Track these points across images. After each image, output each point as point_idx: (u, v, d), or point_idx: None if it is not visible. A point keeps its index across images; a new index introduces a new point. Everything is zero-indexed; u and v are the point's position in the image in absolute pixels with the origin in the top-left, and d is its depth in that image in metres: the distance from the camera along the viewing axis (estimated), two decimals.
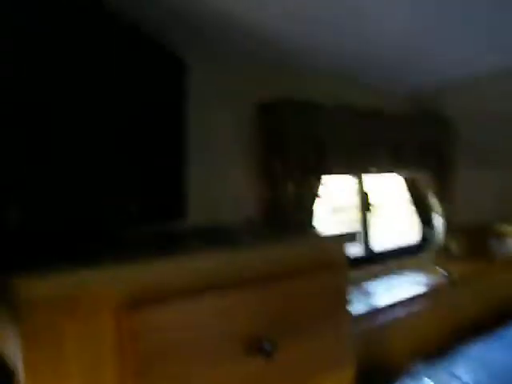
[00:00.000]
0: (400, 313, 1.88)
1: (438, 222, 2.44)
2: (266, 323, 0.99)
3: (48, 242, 0.94)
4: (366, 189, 2.28)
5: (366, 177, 2.27)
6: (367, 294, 1.95)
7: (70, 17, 0.95)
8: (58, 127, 0.93)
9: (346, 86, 1.99)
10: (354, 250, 2.16)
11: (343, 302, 1.20)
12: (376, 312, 1.78)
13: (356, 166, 1.97)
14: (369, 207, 2.24)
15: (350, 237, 1.19)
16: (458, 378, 1.68)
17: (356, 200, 2.28)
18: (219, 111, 1.63)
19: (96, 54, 1.03)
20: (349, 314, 1.20)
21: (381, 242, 2.39)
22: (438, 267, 2.28)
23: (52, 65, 0.91)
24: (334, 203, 2.26)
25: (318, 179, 1.74)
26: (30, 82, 0.86)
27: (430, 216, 2.45)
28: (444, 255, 2.44)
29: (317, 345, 1.11)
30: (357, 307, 1.71)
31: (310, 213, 1.70)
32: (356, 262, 2.14)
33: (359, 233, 2.20)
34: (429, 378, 1.68)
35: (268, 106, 1.70)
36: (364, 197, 2.25)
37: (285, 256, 1.09)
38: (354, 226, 2.24)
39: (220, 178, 1.63)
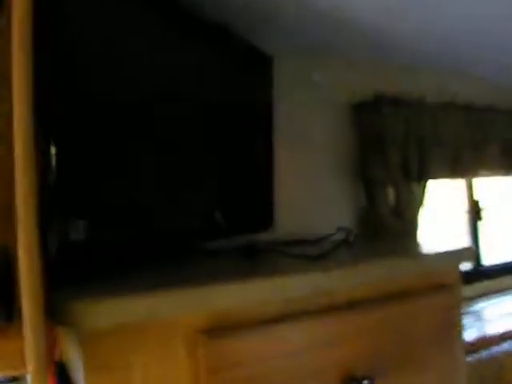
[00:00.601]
0: None
1: None
2: (365, 354, 0.85)
3: (123, 254, 0.88)
4: (475, 195, 2.02)
5: (475, 181, 2.01)
6: (477, 316, 1.70)
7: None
8: (145, 129, 0.88)
9: (452, 80, 1.76)
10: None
11: (455, 329, 1.01)
12: (489, 340, 1.53)
13: (465, 168, 1.73)
14: (479, 216, 1.98)
15: (465, 253, 1.00)
16: None
17: (465, 208, 2.02)
18: (309, 111, 1.50)
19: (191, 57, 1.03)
20: (461, 342, 1.02)
21: (492, 255, 2.10)
22: None
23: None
24: (440, 212, 2.02)
25: (422, 184, 1.53)
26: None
27: None
28: None
29: (423, 380, 0.94)
30: (466, 333, 1.48)
31: (413, 223, 1.50)
32: (463, 278, 1.89)
33: (473, 249, 1.94)
34: None
35: (364, 105, 1.53)
36: (474, 204, 1.99)
37: (388, 275, 0.93)
38: (463, 237, 1.99)
39: (310, 183, 1.49)
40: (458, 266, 1.01)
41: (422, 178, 1.52)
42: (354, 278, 0.84)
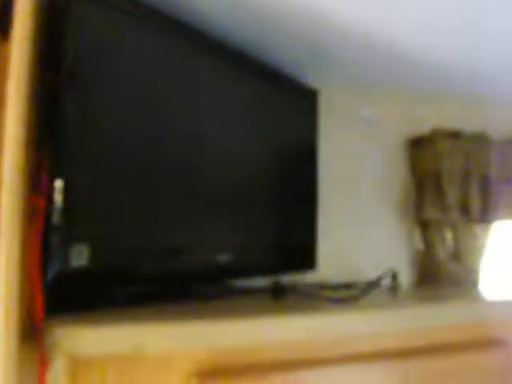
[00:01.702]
0: None
1: None
2: None
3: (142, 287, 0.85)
4: None
5: None
6: None
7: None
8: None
9: None
10: None
11: None
12: None
13: None
14: None
15: None
16: None
17: None
18: (359, 149, 1.42)
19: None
20: None
21: None
22: None
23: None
24: (508, 258, 1.80)
25: (485, 226, 1.38)
26: None
27: None
28: None
29: None
30: None
31: (475, 269, 1.34)
32: None
33: None
34: None
35: (419, 140, 1.43)
36: None
37: (435, 324, 0.82)
38: None
39: (360, 226, 1.40)
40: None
41: (486, 219, 1.37)
42: (378, 324, 0.75)
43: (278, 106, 1.18)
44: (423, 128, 1.45)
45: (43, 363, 0.61)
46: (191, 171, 0.91)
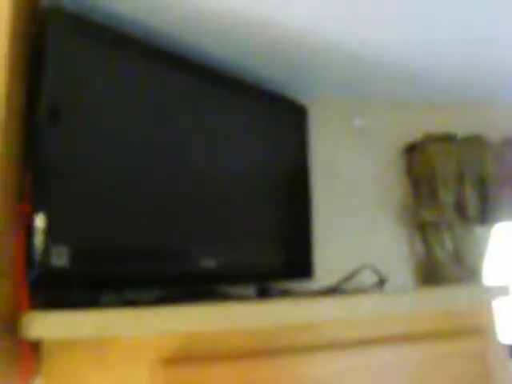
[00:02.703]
0: None
1: None
2: None
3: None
4: None
5: None
6: None
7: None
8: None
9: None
10: None
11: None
12: None
13: None
14: None
15: (499, 290, 0.85)
16: None
17: None
18: (354, 158, 1.46)
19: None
20: None
21: None
22: None
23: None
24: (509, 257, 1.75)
25: (485, 227, 1.37)
26: None
27: None
28: None
29: None
30: None
31: (476, 270, 1.33)
32: None
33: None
34: None
35: (413, 146, 1.45)
36: None
37: (392, 312, 0.82)
38: None
39: (361, 233, 1.42)
40: (490, 306, 0.87)
41: (485, 220, 1.36)
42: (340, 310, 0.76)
43: (267, 123, 1.24)
44: (417, 134, 1.48)
45: (24, 347, 0.68)
46: (182, 180, 0.98)
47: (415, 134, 1.46)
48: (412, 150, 1.45)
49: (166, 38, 1.05)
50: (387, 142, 1.49)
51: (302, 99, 1.39)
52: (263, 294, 1.00)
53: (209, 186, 1.02)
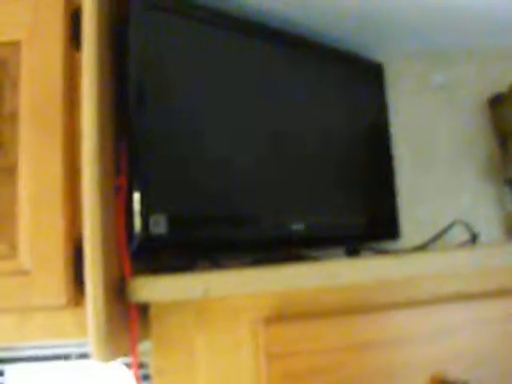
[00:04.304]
0: None
1: None
2: (462, 355, 0.73)
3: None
4: None
5: None
6: None
7: None
8: None
9: None
10: None
11: None
12: None
13: None
14: None
15: None
16: None
17: None
18: (435, 118, 1.40)
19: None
20: None
21: None
22: None
23: None
24: None
25: None
26: None
27: None
28: None
29: None
30: None
31: None
32: None
33: None
34: None
35: (497, 98, 1.36)
36: None
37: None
38: None
39: (446, 194, 1.37)
40: None
41: None
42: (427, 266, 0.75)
43: (345, 83, 1.22)
44: (502, 86, 1.38)
45: (133, 312, 0.72)
46: (267, 145, 1.00)
47: (500, 86, 1.37)
48: (497, 102, 1.36)
49: (243, 6, 1.04)
50: (470, 96, 1.40)
51: (378, 58, 1.34)
52: (354, 253, 1.00)
53: (293, 150, 1.02)
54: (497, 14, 1.23)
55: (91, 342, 0.64)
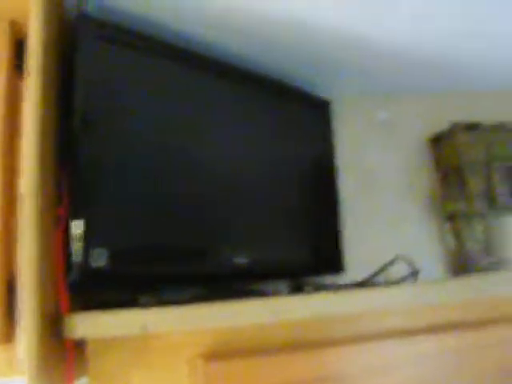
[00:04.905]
0: None
1: None
2: None
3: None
4: None
5: None
6: None
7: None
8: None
9: None
10: None
11: None
12: None
13: None
14: None
15: None
16: None
17: None
18: (379, 152, 1.45)
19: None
20: None
21: None
22: None
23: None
24: None
25: None
26: None
27: None
28: None
29: None
30: None
31: (508, 262, 1.31)
32: None
33: None
34: None
35: (438, 136, 1.44)
36: None
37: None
38: None
39: (389, 227, 1.41)
40: None
41: None
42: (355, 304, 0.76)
43: (292, 119, 1.25)
44: (443, 124, 1.46)
45: (69, 348, 0.69)
46: (211, 179, 1.00)
47: (441, 124, 1.44)
48: (439, 141, 1.43)
49: (190, 37, 1.06)
50: (413, 134, 1.48)
51: (326, 95, 1.38)
52: (297, 289, 1.01)
53: (238, 185, 1.02)
54: (438, 60, 1.31)
55: (26, 378, 0.61)
